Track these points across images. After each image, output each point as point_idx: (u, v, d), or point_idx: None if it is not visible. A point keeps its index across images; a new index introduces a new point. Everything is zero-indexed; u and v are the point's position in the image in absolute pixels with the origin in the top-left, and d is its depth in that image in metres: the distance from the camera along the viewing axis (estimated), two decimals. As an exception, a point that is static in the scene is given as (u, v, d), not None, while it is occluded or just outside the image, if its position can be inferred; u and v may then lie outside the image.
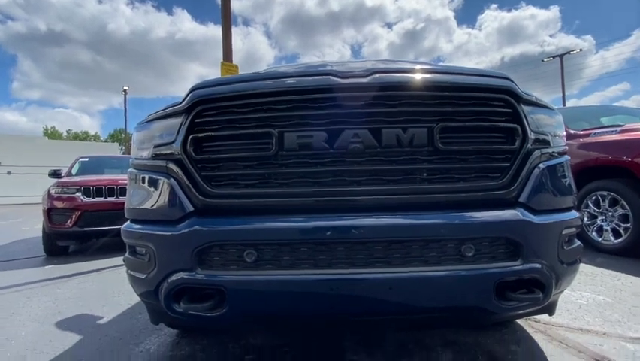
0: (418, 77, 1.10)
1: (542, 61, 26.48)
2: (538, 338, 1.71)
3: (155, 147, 1.28)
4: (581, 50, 25.71)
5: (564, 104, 22.35)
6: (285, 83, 1.12)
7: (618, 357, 1.49)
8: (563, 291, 1.31)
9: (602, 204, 3.29)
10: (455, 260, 1.06)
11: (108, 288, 2.79)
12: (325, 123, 1.09)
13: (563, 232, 1.17)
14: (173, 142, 1.20)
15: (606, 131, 3.49)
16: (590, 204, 3.38)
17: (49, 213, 4.14)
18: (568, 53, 24.88)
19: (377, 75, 1.10)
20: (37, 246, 4.31)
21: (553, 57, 25.07)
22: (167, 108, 1.29)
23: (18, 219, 8.87)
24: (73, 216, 4.11)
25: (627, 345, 1.59)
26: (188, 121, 1.16)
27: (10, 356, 1.69)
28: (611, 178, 3.24)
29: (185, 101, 1.20)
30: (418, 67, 1.15)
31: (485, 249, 1.08)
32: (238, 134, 1.12)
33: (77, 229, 4.10)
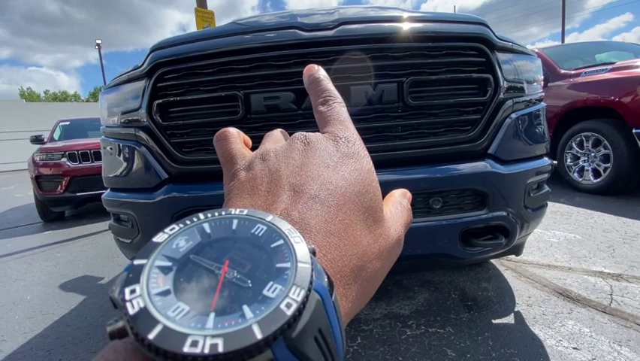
0: (386, 27, 1.04)
1: (544, -9, 24.63)
2: (507, 274, 1.85)
3: (123, 113, 1.25)
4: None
5: (563, 40, 21.41)
6: (247, 39, 1.06)
7: (579, 289, 1.64)
8: (529, 233, 1.39)
9: (585, 145, 3.33)
10: (423, 212, 1.10)
11: (106, 250, 2.90)
12: (292, 82, 1.06)
13: (531, 180, 1.21)
14: (139, 108, 1.16)
15: (597, 70, 3.40)
16: (574, 146, 3.43)
17: (38, 180, 4.13)
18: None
19: (344, 27, 1.04)
20: (34, 213, 4.36)
21: (556, -14, 23.31)
22: (129, 72, 1.23)
23: (10, 187, 8.84)
24: (63, 182, 4.10)
25: (589, 278, 1.74)
26: (151, 86, 1.11)
27: (18, 319, 1.82)
28: (597, 119, 3.25)
29: (145, 63, 1.14)
30: (387, 15, 1.08)
31: (453, 200, 1.12)
32: (203, 98, 1.09)
33: (69, 195, 4.12)
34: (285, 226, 0.16)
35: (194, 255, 0.15)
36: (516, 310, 1.51)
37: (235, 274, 0.14)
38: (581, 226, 2.47)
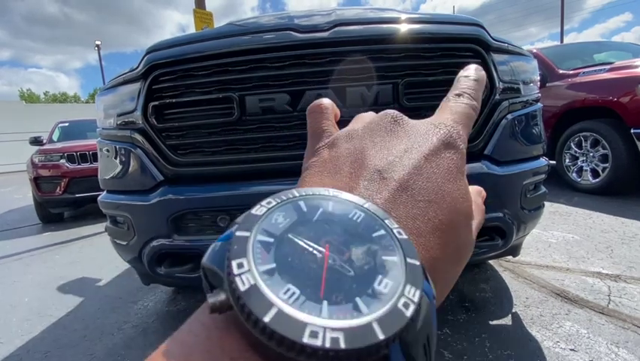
0: (381, 28, 1.04)
1: (543, -9, 24.64)
2: (505, 275, 1.85)
3: (118, 115, 1.24)
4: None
5: (562, 39, 21.43)
6: (242, 41, 1.06)
7: (576, 290, 1.64)
8: (527, 234, 1.39)
9: (584, 145, 3.33)
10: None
11: (105, 251, 2.89)
12: (287, 84, 1.06)
13: (528, 181, 1.20)
14: (134, 110, 1.16)
15: (595, 70, 3.40)
16: (573, 146, 3.43)
17: (37, 181, 4.13)
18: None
19: (338, 28, 1.03)
20: (32, 214, 4.35)
21: (555, -14, 23.31)
22: (125, 74, 1.23)
23: (9, 188, 8.83)
24: (62, 184, 4.11)
25: (587, 279, 1.74)
26: (146, 88, 1.11)
27: (16, 321, 1.81)
28: (595, 119, 3.25)
29: (141, 65, 1.14)
30: (382, 16, 1.08)
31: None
32: (198, 100, 1.09)
33: (68, 196, 4.12)
34: (382, 215, 0.15)
35: (293, 233, 0.14)
36: (514, 311, 1.51)
37: (337, 260, 0.13)
38: (579, 226, 2.47)
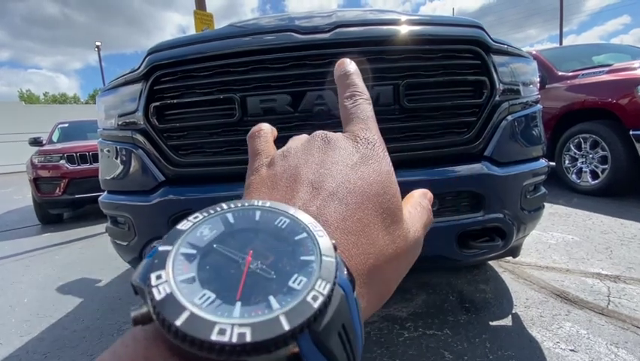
0: (382, 30, 1.05)
1: (542, -7, 24.71)
2: (505, 276, 1.85)
3: (119, 116, 1.25)
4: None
5: (561, 42, 21.50)
6: (243, 42, 1.06)
7: (576, 291, 1.64)
8: (527, 235, 1.39)
9: (583, 146, 3.34)
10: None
11: (105, 252, 2.88)
12: (289, 85, 1.06)
13: (527, 182, 1.21)
14: (136, 111, 1.17)
15: (594, 72, 3.41)
16: (572, 148, 3.43)
17: (36, 182, 4.12)
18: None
19: (339, 30, 1.04)
20: (32, 215, 4.35)
21: (554, -11, 23.39)
22: (126, 74, 1.23)
23: (9, 189, 8.82)
24: (62, 184, 4.10)
25: (586, 280, 1.74)
26: (147, 88, 1.12)
27: (15, 322, 1.81)
28: (594, 121, 3.26)
29: (142, 66, 1.14)
30: (382, 18, 1.08)
31: (449, 202, 1.12)
32: (199, 100, 1.09)
33: (68, 197, 4.11)
34: (307, 220, 0.16)
35: (218, 244, 0.15)
36: (514, 312, 1.51)
37: (259, 265, 0.14)
38: (578, 227, 2.47)
